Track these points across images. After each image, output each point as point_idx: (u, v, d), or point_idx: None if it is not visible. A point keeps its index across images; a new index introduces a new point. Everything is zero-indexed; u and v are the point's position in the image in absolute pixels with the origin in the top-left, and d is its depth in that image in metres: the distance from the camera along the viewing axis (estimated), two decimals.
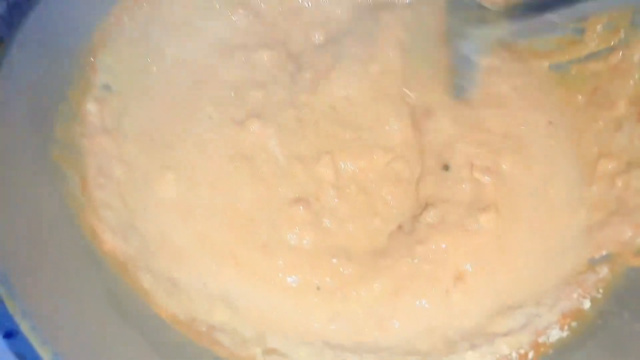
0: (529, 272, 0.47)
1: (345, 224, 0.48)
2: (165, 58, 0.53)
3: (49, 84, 0.45)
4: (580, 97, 0.53)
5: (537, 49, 0.56)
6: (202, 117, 0.51)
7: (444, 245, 0.47)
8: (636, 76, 0.50)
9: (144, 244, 0.45)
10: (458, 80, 0.53)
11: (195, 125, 0.51)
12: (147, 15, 0.53)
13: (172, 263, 0.45)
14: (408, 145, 0.52)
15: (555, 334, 0.42)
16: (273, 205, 0.48)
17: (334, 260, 0.46)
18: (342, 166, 0.50)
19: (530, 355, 0.41)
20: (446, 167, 0.51)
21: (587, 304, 0.43)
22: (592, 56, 0.53)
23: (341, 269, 0.46)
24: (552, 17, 0.47)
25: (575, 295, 0.43)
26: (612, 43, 0.52)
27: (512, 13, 0.51)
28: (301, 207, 0.48)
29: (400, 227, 0.49)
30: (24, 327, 0.34)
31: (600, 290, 0.43)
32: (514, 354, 0.42)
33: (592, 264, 0.45)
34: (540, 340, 0.42)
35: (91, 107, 0.48)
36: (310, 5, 0.57)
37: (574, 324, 0.42)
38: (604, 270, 0.44)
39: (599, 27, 0.52)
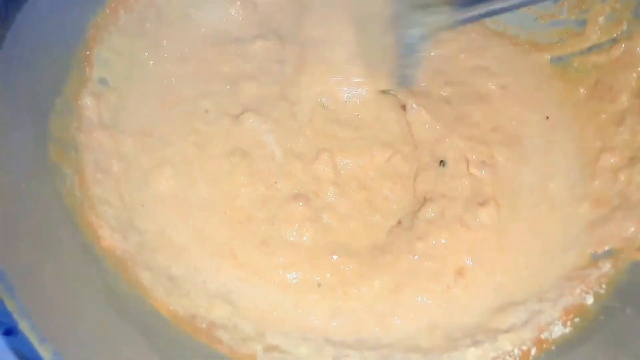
0: (530, 268, 0.47)
1: (345, 220, 0.48)
2: (162, 51, 0.53)
3: (44, 78, 0.45)
4: (582, 90, 0.53)
5: (539, 42, 0.56)
6: (198, 111, 0.51)
7: (443, 241, 0.47)
8: (639, 69, 0.49)
9: (142, 241, 0.45)
10: (402, 70, 0.51)
11: (192, 120, 0.50)
12: (143, 8, 0.52)
13: (171, 260, 0.45)
14: (405, 140, 0.52)
15: (558, 330, 0.42)
16: (272, 201, 0.48)
17: (335, 257, 0.46)
18: (341, 162, 0.50)
19: (533, 351, 0.41)
20: (442, 163, 0.51)
21: (590, 300, 0.43)
22: (594, 48, 0.53)
23: (342, 266, 0.46)
24: (496, 5, 0.45)
25: (577, 291, 0.43)
26: (615, 35, 0.51)
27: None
28: (301, 204, 0.47)
29: (399, 222, 0.49)
30: (23, 325, 0.34)
31: (603, 286, 0.43)
32: (516, 351, 0.41)
33: (595, 260, 0.45)
34: (543, 336, 0.42)
35: (87, 101, 0.47)
36: None
37: (576, 319, 0.42)
38: (606, 266, 0.44)
39: (601, 19, 0.52)
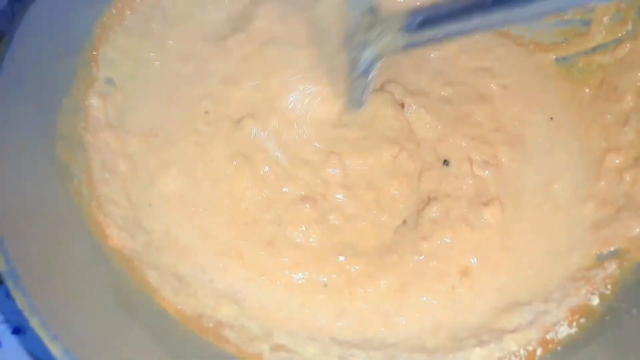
0: (535, 268, 0.47)
1: (352, 221, 0.48)
2: (168, 51, 0.53)
3: (51, 78, 0.45)
4: (586, 90, 0.53)
5: (543, 42, 0.56)
6: (199, 112, 0.51)
7: (448, 241, 0.47)
8: None
9: (149, 240, 0.45)
10: (351, 93, 0.50)
11: (193, 121, 0.50)
12: (149, 8, 0.52)
13: (178, 260, 0.45)
14: (407, 137, 0.51)
15: (564, 331, 0.42)
16: (278, 204, 0.48)
17: (342, 258, 0.46)
18: (350, 164, 0.50)
19: (539, 352, 0.41)
20: (446, 162, 0.51)
21: (595, 300, 0.43)
22: (599, 48, 0.52)
23: (348, 266, 0.46)
24: (447, 30, 0.44)
25: (583, 292, 0.43)
26: (620, 35, 0.51)
27: (410, 22, 0.44)
28: (308, 206, 0.47)
29: (404, 222, 0.49)
30: (34, 322, 0.35)
31: (609, 287, 0.43)
32: (521, 351, 0.41)
33: (601, 260, 0.45)
34: (548, 336, 0.42)
35: (94, 101, 0.47)
36: None
37: (582, 320, 0.42)
38: (612, 266, 0.44)
39: (605, 19, 0.52)
